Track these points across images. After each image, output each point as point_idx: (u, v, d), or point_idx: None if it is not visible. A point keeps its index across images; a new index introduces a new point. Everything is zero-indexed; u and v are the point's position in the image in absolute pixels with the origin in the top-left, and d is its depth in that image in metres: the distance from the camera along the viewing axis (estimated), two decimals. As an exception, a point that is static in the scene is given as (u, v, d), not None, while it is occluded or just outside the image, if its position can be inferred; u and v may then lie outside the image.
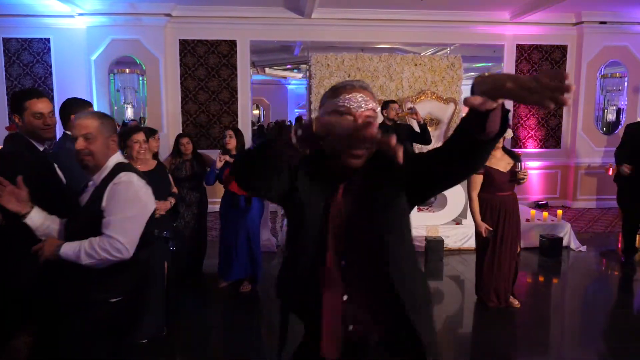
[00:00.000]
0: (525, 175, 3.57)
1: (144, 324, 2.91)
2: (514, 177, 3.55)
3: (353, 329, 1.20)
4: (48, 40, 7.01)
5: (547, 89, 0.77)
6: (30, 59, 7.00)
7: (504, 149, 3.67)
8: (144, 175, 1.85)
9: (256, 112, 14.14)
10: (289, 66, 12.21)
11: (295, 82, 14.15)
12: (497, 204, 3.57)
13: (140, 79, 7.13)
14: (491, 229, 3.55)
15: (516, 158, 3.64)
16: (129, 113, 7.12)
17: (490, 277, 3.63)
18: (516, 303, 3.71)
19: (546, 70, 0.80)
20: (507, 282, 3.65)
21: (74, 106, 2.55)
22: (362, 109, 1.16)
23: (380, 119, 5.12)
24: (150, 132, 3.57)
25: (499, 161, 3.56)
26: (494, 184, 3.54)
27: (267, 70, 11.99)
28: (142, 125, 5.55)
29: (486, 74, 0.99)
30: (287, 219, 1.33)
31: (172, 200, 2.94)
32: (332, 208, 1.18)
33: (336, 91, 1.20)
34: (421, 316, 1.23)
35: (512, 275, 3.68)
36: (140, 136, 2.82)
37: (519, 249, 3.71)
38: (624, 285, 4.52)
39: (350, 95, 1.16)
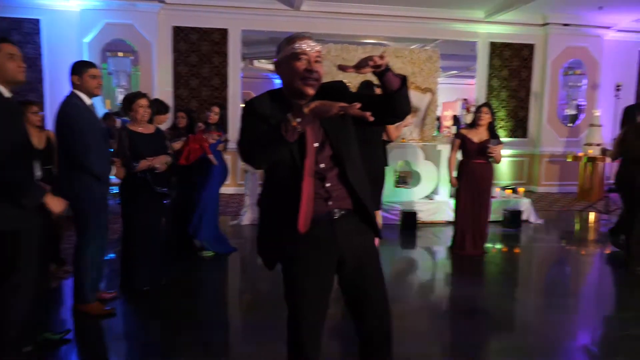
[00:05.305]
0: (493, 152, 4.19)
1: (145, 273, 3.18)
2: (483, 149, 4.24)
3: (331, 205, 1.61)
4: (37, 21, 7.00)
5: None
6: (19, 39, 6.97)
7: (490, 127, 4.31)
8: None
9: (242, 105, 14.24)
10: (275, 60, 12.29)
11: (281, 76, 14.30)
12: (471, 168, 4.35)
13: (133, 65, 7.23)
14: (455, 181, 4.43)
15: (493, 135, 4.33)
16: (121, 98, 7.20)
17: (466, 224, 4.37)
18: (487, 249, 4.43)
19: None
20: (481, 231, 4.41)
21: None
22: (312, 50, 1.57)
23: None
24: (164, 109, 3.98)
25: (477, 134, 4.34)
26: (467, 151, 4.36)
27: (255, 63, 12.14)
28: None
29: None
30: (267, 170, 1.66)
31: (169, 158, 3.26)
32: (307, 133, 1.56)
33: (291, 40, 1.59)
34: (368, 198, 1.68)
35: (484, 226, 4.43)
36: (144, 101, 3.16)
37: (489, 211, 4.49)
38: (571, 254, 4.91)
39: (302, 41, 1.57)
